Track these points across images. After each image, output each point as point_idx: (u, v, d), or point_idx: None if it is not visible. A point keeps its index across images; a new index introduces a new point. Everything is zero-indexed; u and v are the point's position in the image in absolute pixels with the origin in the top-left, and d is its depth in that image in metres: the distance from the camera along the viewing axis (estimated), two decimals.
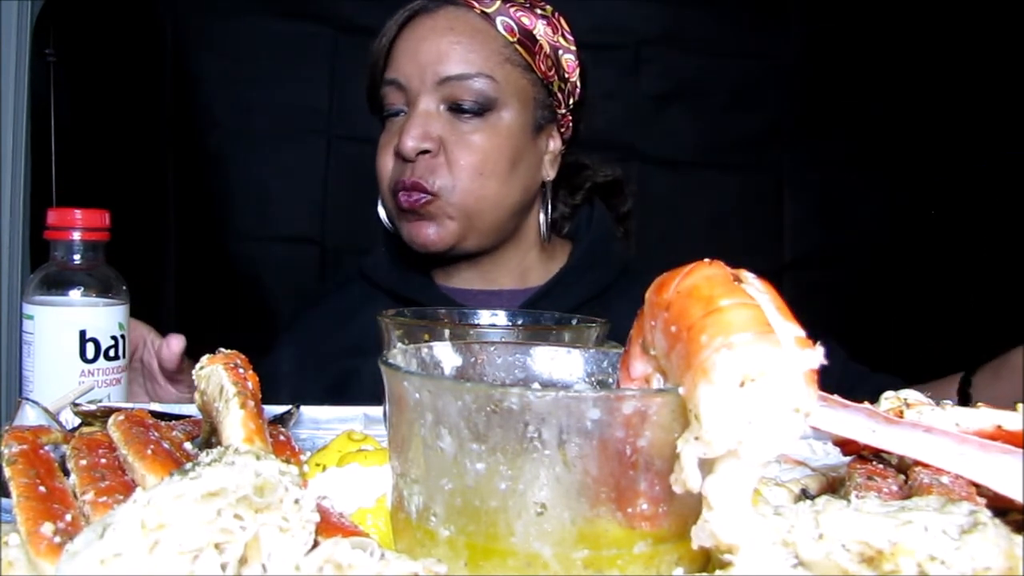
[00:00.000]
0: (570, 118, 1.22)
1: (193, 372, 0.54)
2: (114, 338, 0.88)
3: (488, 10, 1.12)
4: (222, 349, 0.55)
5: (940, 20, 1.98)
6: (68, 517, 0.42)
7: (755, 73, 2.02)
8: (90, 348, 0.86)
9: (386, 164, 1.16)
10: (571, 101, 1.21)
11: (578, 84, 1.20)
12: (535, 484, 0.38)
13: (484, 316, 0.75)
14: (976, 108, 1.99)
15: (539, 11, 1.16)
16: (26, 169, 1.76)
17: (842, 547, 0.36)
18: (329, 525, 0.40)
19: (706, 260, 0.41)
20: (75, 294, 0.88)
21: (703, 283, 0.39)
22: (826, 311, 1.87)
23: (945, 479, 0.48)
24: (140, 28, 1.88)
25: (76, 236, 0.88)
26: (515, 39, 1.12)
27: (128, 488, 0.45)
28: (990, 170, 1.99)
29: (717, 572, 0.37)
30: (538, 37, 1.14)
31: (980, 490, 0.47)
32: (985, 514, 0.36)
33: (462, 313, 0.77)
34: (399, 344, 0.60)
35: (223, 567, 0.33)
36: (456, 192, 1.11)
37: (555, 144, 1.21)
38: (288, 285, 1.88)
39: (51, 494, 0.44)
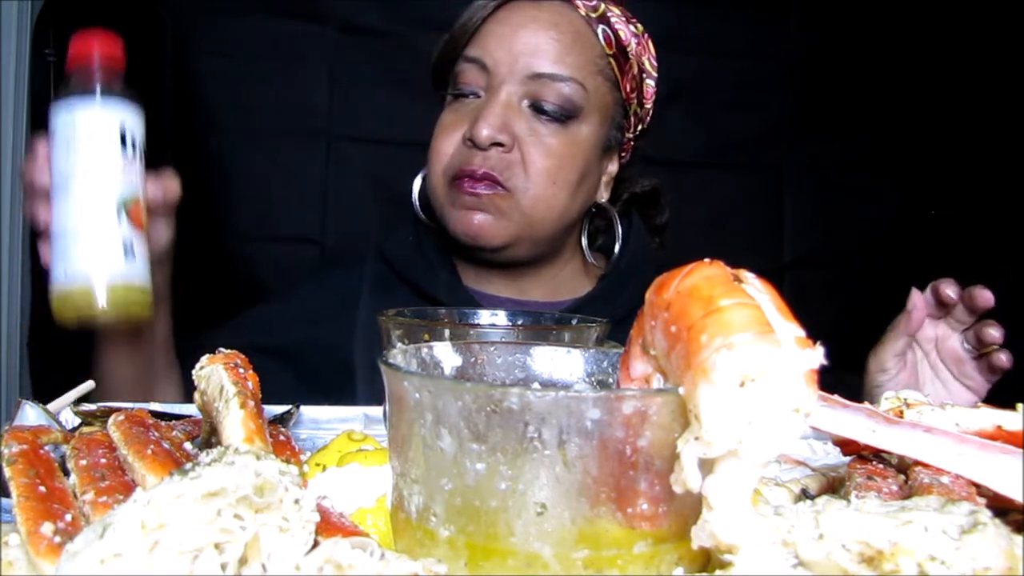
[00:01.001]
0: (632, 144, 1.18)
1: (193, 372, 0.54)
2: (139, 138, 0.90)
3: (593, 14, 1.07)
4: (222, 349, 0.55)
5: (940, 20, 1.98)
6: (68, 517, 0.42)
7: (755, 73, 2.02)
8: (129, 147, 0.88)
9: (446, 146, 1.07)
10: (639, 128, 1.17)
11: (650, 112, 1.17)
12: (535, 484, 0.38)
13: (484, 316, 0.75)
14: (976, 108, 1.99)
15: (633, 28, 1.11)
16: None
17: (842, 547, 0.36)
18: (329, 525, 0.40)
19: (706, 260, 0.41)
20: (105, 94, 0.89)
21: (703, 283, 0.39)
22: (826, 311, 1.87)
23: (945, 479, 0.48)
24: (140, 29, 1.87)
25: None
26: (612, 51, 1.08)
27: (128, 488, 0.45)
28: (990, 170, 1.99)
29: (717, 572, 0.37)
30: (630, 55, 1.10)
31: (980, 490, 0.47)
32: (985, 514, 0.36)
33: (462, 313, 0.77)
34: (399, 344, 0.60)
35: (223, 567, 0.33)
36: (528, 196, 1.04)
37: (613, 167, 1.17)
38: (288, 285, 1.87)
39: (51, 494, 0.44)
